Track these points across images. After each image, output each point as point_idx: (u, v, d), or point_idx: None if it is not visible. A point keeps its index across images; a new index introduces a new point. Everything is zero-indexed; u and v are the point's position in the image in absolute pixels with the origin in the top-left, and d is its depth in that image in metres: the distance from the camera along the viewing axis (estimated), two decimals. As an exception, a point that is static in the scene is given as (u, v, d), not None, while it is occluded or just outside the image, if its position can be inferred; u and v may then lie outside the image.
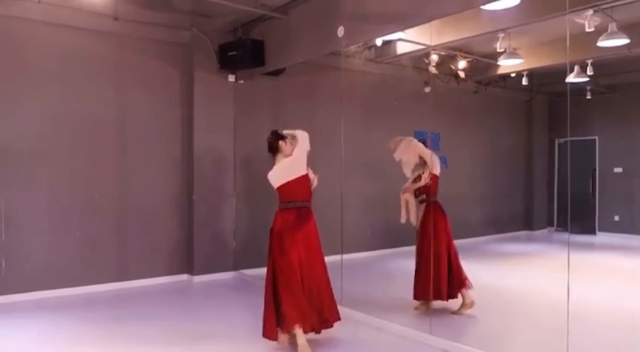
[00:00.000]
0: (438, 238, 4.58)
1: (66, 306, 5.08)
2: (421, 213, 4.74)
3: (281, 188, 3.89)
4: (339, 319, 3.95)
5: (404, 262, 4.94)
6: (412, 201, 4.80)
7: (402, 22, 4.39)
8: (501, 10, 5.06)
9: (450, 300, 4.60)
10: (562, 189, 10.67)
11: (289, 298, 3.70)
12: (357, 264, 6.73)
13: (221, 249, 6.40)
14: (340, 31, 4.83)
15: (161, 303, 5.32)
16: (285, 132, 4.01)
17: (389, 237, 7.41)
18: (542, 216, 10.55)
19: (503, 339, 4.20)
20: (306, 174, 3.93)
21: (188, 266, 6.27)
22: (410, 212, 4.82)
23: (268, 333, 3.77)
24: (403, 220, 4.83)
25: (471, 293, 4.58)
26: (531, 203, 10.35)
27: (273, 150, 3.98)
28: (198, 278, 6.18)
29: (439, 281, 4.49)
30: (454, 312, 4.59)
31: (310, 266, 3.80)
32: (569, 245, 9.90)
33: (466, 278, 4.59)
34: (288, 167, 3.88)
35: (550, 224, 10.73)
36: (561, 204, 10.64)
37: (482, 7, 4.81)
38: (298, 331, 3.67)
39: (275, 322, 3.74)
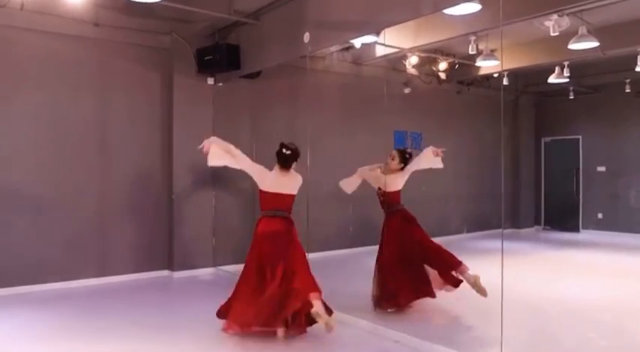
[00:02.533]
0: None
1: (48, 300, 5.30)
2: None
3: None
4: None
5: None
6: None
7: (360, 29, 4.60)
8: (469, 14, 5.20)
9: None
10: (549, 187, 10.82)
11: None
12: (337, 260, 6.95)
13: (200, 245, 6.64)
14: (306, 37, 5.04)
15: (139, 298, 5.52)
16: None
17: (368, 235, 7.60)
18: (529, 215, 10.70)
19: (452, 331, 4.39)
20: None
21: (168, 262, 6.51)
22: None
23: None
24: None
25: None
26: (517, 201, 10.48)
27: (288, 164, 4.26)
28: (177, 274, 6.42)
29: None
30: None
31: None
32: (554, 242, 9.98)
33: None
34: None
35: (537, 222, 10.87)
36: (548, 202, 10.79)
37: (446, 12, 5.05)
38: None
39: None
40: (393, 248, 4.77)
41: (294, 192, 4.28)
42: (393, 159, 4.98)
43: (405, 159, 5.00)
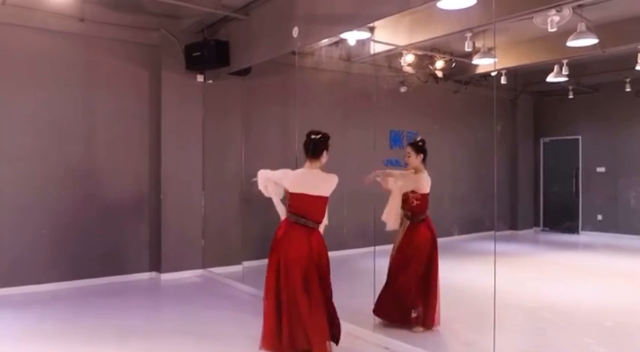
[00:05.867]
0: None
1: (30, 303, 5.15)
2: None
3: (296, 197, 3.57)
4: None
5: (376, 261, 4.98)
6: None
7: (349, 22, 4.43)
8: (466, 10, 5.04)
9: None
10: (548, 188, 10.67)
11: None
12: (333, 262, 6.76)
13: (189, 247, 6.47)
14: (295, 32, 4.88)
15: (124, 301, 5.36)
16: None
17: (365, 237, 7.44)
18: (528, 216, 10.56)
19: (443, 337, 4.24)
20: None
21: (156, 264, 6.34)
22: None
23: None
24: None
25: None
26: (516, 202, 10.34)
27: (318, 151, 3.55)
28: (165, 276, 6.26)
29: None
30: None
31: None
32: (553, 244, 9.79)
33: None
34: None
35: (536, 224, 10.72)
36: (547, 203, 10.64)
37: (443, 7, 4.90)
38: None
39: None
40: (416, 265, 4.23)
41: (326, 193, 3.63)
42: (409, 156, 4.28)
43: (422, 149, 4.28)
